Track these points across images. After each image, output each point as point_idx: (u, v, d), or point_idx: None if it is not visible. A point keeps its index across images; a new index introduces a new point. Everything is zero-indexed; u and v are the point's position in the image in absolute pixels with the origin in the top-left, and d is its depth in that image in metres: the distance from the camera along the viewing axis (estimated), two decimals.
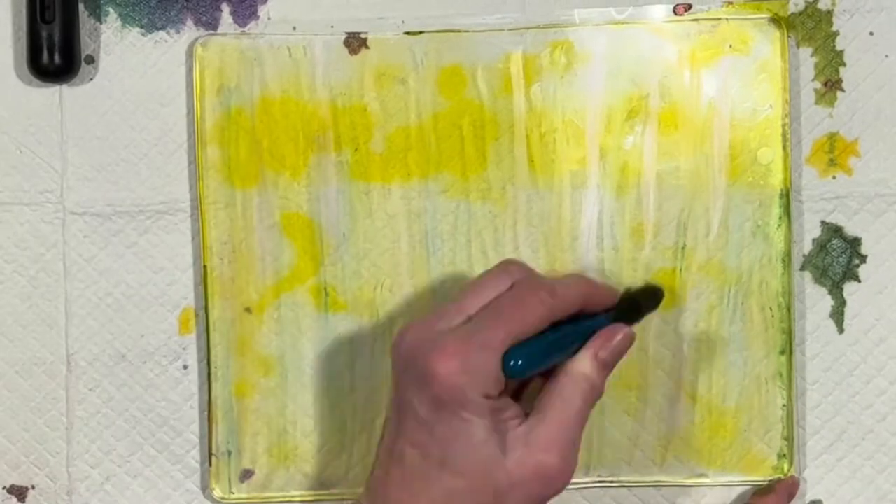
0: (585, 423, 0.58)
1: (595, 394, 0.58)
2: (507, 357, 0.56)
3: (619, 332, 0.59)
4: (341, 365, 0.68)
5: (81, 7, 0.68)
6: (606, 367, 0.59)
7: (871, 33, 0.68)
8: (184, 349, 0.69)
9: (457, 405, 0.55)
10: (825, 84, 0.68)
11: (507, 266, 0.60)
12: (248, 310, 0.68)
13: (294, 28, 0.68)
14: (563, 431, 0.57)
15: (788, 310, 0.67)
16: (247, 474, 0.68)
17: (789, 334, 0.67)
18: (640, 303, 0.62)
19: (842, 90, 0.68)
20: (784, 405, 0.68)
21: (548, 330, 0.57)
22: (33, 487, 0.69)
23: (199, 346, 0.68)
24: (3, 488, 0.69)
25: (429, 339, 0.56)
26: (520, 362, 0.55)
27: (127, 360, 0.69)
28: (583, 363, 0.58)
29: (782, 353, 0.68)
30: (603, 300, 0.60)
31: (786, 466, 0.68)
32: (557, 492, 0.57)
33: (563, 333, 0.58)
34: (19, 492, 0.69)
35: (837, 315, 0.68)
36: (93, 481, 0.69)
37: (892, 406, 0.68)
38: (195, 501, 0.69)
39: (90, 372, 0.69)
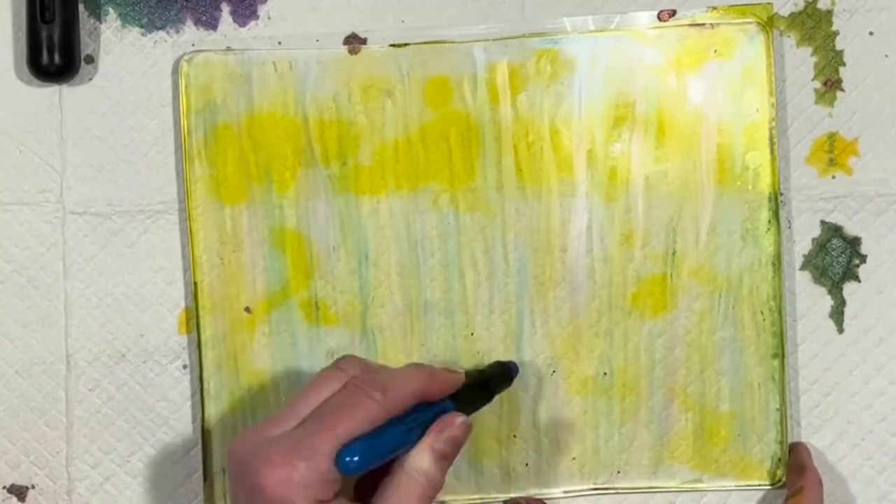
0: None
1: (432, 488, 0.57)
2: (342, 454, 0.54)
3: (455, 422, 0.58)
4: None
5: (81, 7, 0.68)
6: (445, 458, 0.57)
7: (871, 33, 0.68)
8: (183, 349, 0.69)
9: None
10: (825, 84, 0.68)
11: (341, 364, 0.59)
12: (247, 309, 0.68)
13: (279, 43, 0.68)
14: None
15: (780, 314, 0.67)
16: None
17: (781, 338, 0.67)
18: (489, 382, 0.63)
19: (841, 90, 0.68)
20: (778, 409, 0.68)
21: (389, 423, 0.56)
22: (33, 487, 0.69)
23: (193, 354, 0.68)
24: (3, 488, 0.69)
25: (258, 448, 0.55)
26: (355, 458, 0.54)
27: (127, 360, 0.69)
28: (418, 457, 0.57)
29: (775, 357, 0.68)
30: (445, 387, 0.59)
31: (780, 472, 0.68)
32: None
33: (403, 424, 0.57)
34: (19, 491, 0.69)
35: (837, 315, 0.68)
36: (92, 481, 0.69)
37: (891, 406, 0.68)
38: (195, 501, 0.69)
39: (90, 372, 0.69)
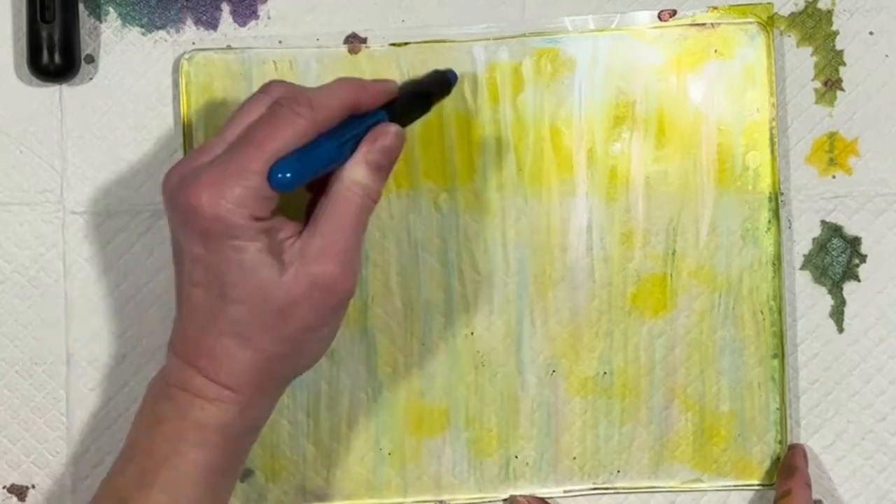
0: (364, 230, 0.57)
1: (370, 199, 0.57)
2: (273, 170, 0.54)
3: (388, 131, 0.58)
4: (332, 378, 0.68)
5: (81, 6, 0.68)
6: (380, 169, 0.57)
7: (871, 33, 0.68)
8: None
9: (224, 234, 0.54)
10: (825, 83, 0.68)
11: (267, 87, 0.58)
12: None
13: (280, 42, 0.68)
14: (337, 240, 0.55)
15: (780, 314, 0.67)
16: (247, 474, 0.68)
17: (781, 338, 0.67)
18: (426, 92, 0.62)
19: (842, 90, 0.68)
20: (778, 409, 0.68)
21: (320, 137, 0.56)
22: (33, 487, 0.69)
23: None
24: (4, 488, 0.69)
25: (188, 174, 0.55)
26: (288, 175, 0.54)
27: (127, 360, 0.69)
28: (353, 169, 0.56)
29: (775, 357, 0.68)
30: (375, 98, 0.59)
31: None
32: (343, 300, 0.56)
33: (335, 139, 0.56)
34: (19, 491, 0.69)
35: (837, 314, 0.68)
36: (93, 481, 0.69)
37: (891, 406, 0.68)
38: None
39: (90, 372, 0.69)
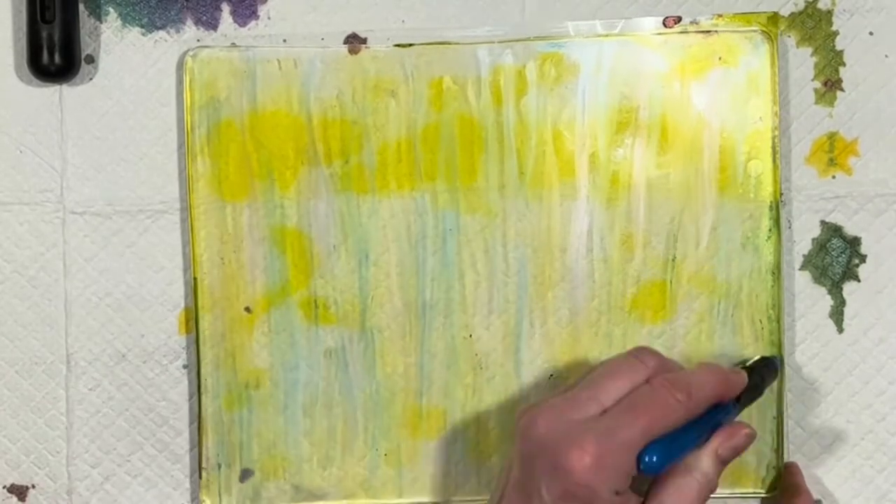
0: None
1: (709, 490, 0.59)
2: (643, 453, 0.56)
3: (742, 431, 0.60)
4: (331, 378, 0.68)
5: (81, 7, 0.68)
6: (724, 463, 0.60)
7: (871, 33, 0.68)
8: (183, 349, 0.69)
9: (586, 500, 0.56)
10: (825, 84, 0.68)
11: (641, 355, 0.61)
12: (247, 309, 0.68)
13: (284, 40, 0.68)
14: None
15: (778, 322, 0.67)
16: (247, 474, 0.68)
17: (779, 346, 0.67)
18: (763, 379, 0.64)
19: (841, 90, 0.68)
20: (774, 417, 0.68)
21: (687, 425, 0.59)
22: (33, 487, 0.69)
23: (192, 353, 0.68)
24: (4, 487, 0.69)
25: (565, 430, 0.57)
26: (655, 458, 0.56)
27: (127, 360, 0.69)
28: (703, 460, 0.59)
29: None
30: (735, 390, 0.62)
31: (774, 478, 0.68)
32: None
33: (698, 427, 0.59)
34: (19, 491, 0.69)
35: (837, 315, 0.68)
36: (93, 481, 0.69)
37: (891, 406, 0.68)
38: (195, 501, 0.69)
39: (90, 372, 0.69)
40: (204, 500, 0.68)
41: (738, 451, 0.60)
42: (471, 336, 0.68)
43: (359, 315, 0.68)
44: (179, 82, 0.68)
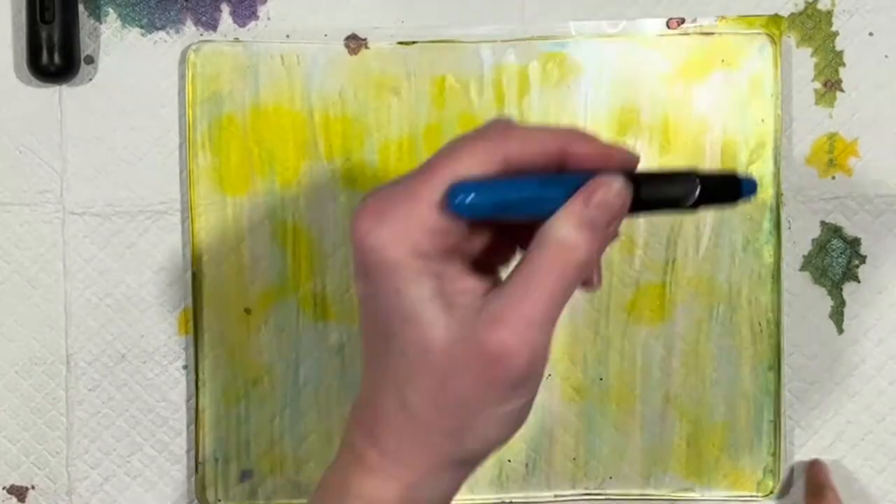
0: (562, 302, 0.45)
1: (576, 262, 0.45)
2: (453, 190, 0.45)
3: (609, 182, 0.46)
4: (331, 374, 0.68)
5: (81, 7, 0.68)
6: (595, 229, 0.46)
7: (871, 33, 0.68)
8: (184, 349, 0.69)
9: (382, 271, 0.45)
10: (825, 84, 0.68)
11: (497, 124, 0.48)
12: (247, 310, 0.68)
13: (287, 36, 0.68)
14: (522, 306, 0.45)
15: (777, 326, 0.67)
16: (245, 471, 0.68)
17: (778, 350, 0.67)
18: (691, 176, 0.48)
19: (841, 90, 0.68)
20: (771, 421, 0.68)
21: (518, 174, 0.46)
22: (33, 487, 0.69)
23: (191, 351, 0.68)
24: (3, 488, 0.69)
25: (363, 201, 0.46)
26: (468, 197, 0.45)
27: (127, 361, 0.69)
28: (559, 224, 0.45)
29: (770, 369, 0.68)
30: (599, 155, 0.47)
31: (771, 483, 0.68)
32: (518, 379, 0.46)
33: (539, 180, 0.46)
34: (19, 492, 0.69)
35: (837, 315, 0.68)
36: (92, 481, 0.69)
37: (891, 406, 0.68)
38: (195, 502, 0.69)
39: (90, 372, 0.69)
40: (201, 496, 0.68)
41: (611, 211, 0.46)
42: None
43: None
44: (181, 77, 0.68)
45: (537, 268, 0.45)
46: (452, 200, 0.45)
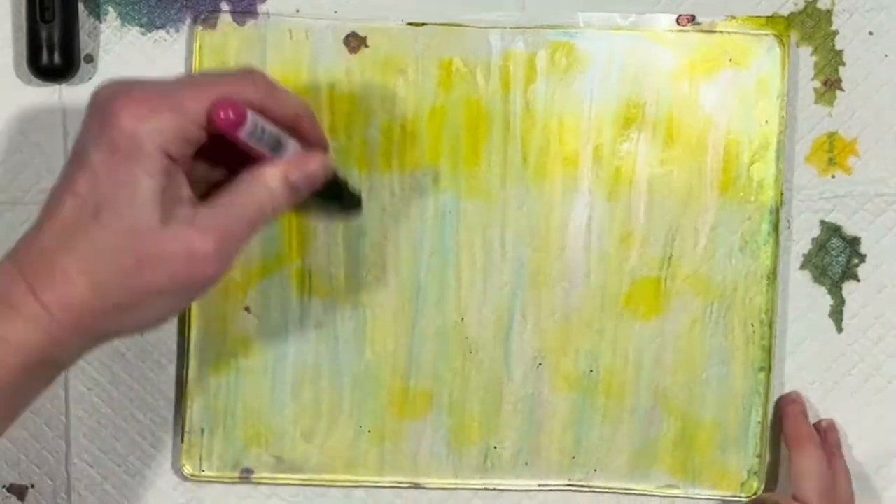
0: (253, 234, 0.54)
1: (271, 209, 0.54)
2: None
3: (318, 157, 0.56)
4: (320, 352, 0.68)
5: (81, 6, 0.68)
6: (295, 191, 0.55)
7: (871, 33, 0.68)
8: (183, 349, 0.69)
9: (130, 155, 0.51)
10: (824, 83, 0.68)
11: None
12: (247, 309, 0.68)
13: (297, 10, 0.68)
14: (227, 224, 0.53)
15: (770, 327, 0.67)
16: (246, 474, 0.68)
17: (769, 352, 0.67)
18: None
19: (841, 89, 0.68)
20: (759, 422, 0.68)
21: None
22: (32, 486, 0.69)
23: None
24: (3, 487, 0.69)
25: (125, 87, 0.52)
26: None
27: (126, 359, 0.69)
28: (271, 175, 0.54)
29: (761, 370, 0.67)
30: (319, 143, 0.57)
31: (755, 484, 0.68)
32: (202, 284, 0.53)
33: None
34: (19, 491, 0.69)
35: (836, 314, 0.68)
36: (92, 480, 0.69)
37: (890, 405, 0.68)
38: (194, 501, 0.69)
39: (89, 371, 0.69)
40: (184, 465, 0.68)
41: (310, 181, 0.55)
42: (462, 320, 0.68)
43: (352, 292, 0.68)
44: (189, 53, 0.68)
45: (247, 199, 0.54)
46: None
